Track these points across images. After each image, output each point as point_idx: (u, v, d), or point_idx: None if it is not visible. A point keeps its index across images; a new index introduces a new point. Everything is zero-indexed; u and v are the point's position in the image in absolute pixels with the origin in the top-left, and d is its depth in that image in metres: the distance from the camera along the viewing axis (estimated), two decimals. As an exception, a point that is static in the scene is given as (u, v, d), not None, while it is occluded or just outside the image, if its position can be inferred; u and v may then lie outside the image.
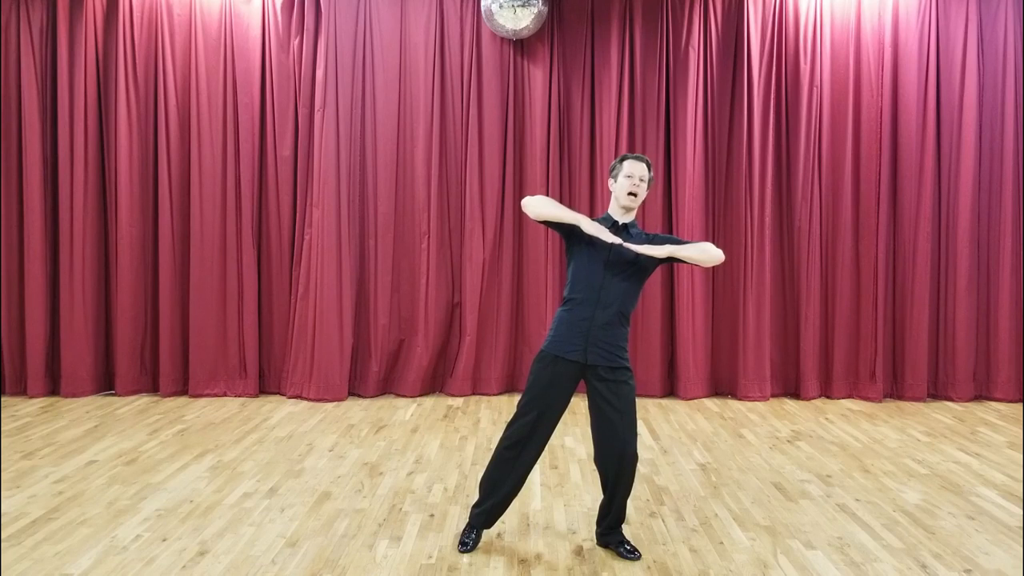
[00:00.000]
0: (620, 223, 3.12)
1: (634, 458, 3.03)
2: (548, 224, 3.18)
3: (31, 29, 5.64)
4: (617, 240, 2.98)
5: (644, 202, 5.77)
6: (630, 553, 3.08)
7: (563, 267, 5.92)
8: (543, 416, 3.06)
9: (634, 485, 3.17)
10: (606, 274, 3.04)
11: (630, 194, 3.06)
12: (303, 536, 3.26)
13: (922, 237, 5.79)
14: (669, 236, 3.16)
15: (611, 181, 3.16)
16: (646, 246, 3.00)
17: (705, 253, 3.05)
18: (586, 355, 3.02)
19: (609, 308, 3.03)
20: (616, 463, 3.02)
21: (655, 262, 3.07)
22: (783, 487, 3.91)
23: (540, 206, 3.11)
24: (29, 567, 2.95)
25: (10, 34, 5.67)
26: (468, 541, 3.14)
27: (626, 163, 3.11)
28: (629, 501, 3.65)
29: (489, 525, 3.20)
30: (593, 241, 3.06)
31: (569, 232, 3.13)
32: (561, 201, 5.89)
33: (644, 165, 3.10)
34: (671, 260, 3.06)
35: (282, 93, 5.75)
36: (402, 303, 5.89)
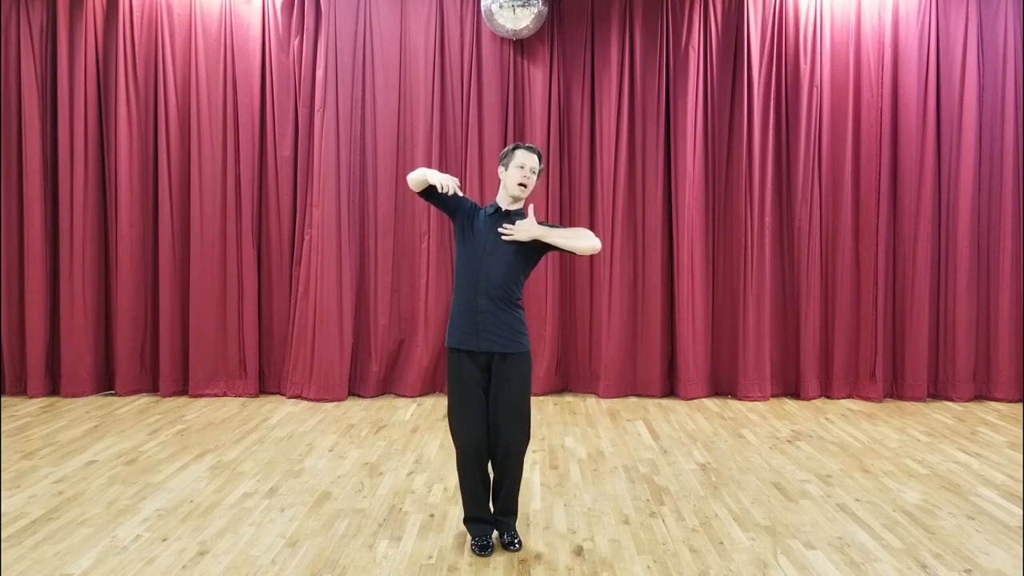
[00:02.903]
0: (504, 210, 3.14)
1: (511, 448, 3.06)
2: (429, 200, 3.19)
3: (31, 29, 5.64)
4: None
5: (644, 201, 5.83)
6: (511, 546, 3.11)
7: (563, 267, 5.93)
8: (466, 411, 3.08)
9: (520, 479, 3.18)
10: (484, 258, 3.06)
11: (520, 184, 3.09)
12: (303, 536, 3.26)
13: (922, 237, 5.79)
14: (555, 225, 3.17)
15: (501, 169, 3.17)
16: (517, 227, 3.02)
17: (577, 240, 3.07)
18: (479, 342, 3.05)
19: (492, 293, 3.04)
20: (499, 454, 3.07)
21: (532, 247, 3.07)
22: (783, 487, 3.91)
23: (416, 176, 3.12)
24: (29, 567, 2.96)
25: (10, 34, 5.67)
26: (484, 544, 3.12)
27: (518, 153, 3.11)
28: (626, 500, 3.66)
29: (491, 526, 3.19)
30: (473, 226, 3.11)
31: (452, 211, 3.17)
32: (561, 200, 5.90)
33: (536, 156, 3.13)
34: (547, 246, 3.07)
35: (282, 93, 5.75)
36: (402, 303, 5.89)
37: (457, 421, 3.11)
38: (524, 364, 3.10)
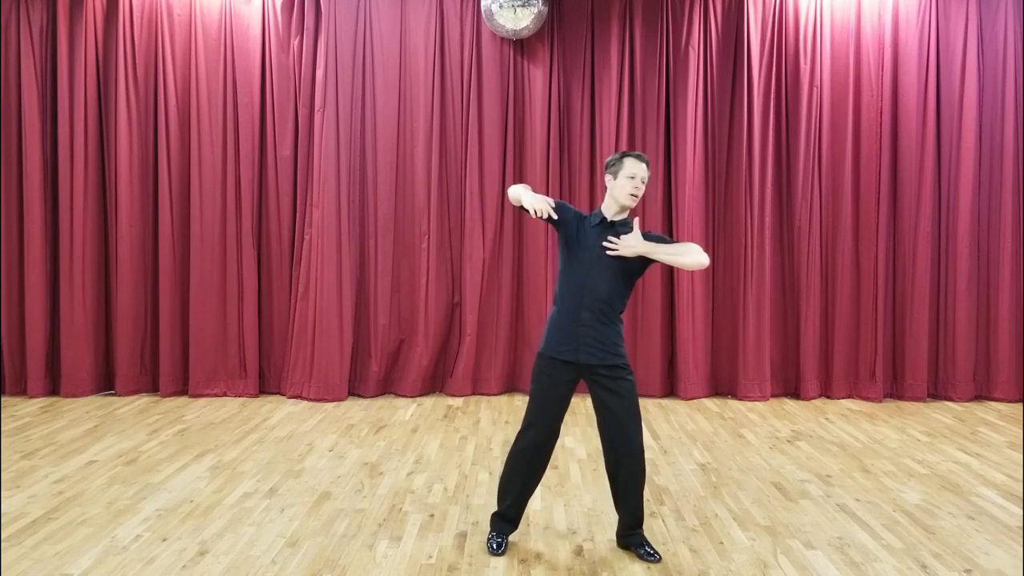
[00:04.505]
0: (609, 220, 3.06)
1: (640, 453, 3.04)
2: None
3: (31, 29, 5.64)
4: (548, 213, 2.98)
5: (644, 201, 5.83)
6: (650, 556, 3.06)
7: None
8: (544, 409, 3.06)
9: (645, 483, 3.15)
10: (590, 272, 3.01)
11: (631, 195, 3.01)
12: (303, 536, 3.26)
13: (922, 237, 5.79)
14: (662, 236, 3.10)
15: (608, 178, 3.07)
16: (622, 242, 2.95)
17: (685, 256, 2.99)
18: (578, 355, 3.01)
19: (595, 307, 2.99)
20: (625, 459, 3.04)
21: (637, 260, 3.01)
22: (783, 487, 3.91)
23: (512, 193, 3.11)
24: (29, 567, 2.96)
25: (10, 34, 5.67)
26: (499, 543, 3.13)
27: (628, 162, 3.02)
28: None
29: (513, 527, 3.20)
30: (577, 238, 3.05)
31: (556, 223, 3.11)
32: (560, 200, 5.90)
33: (645, 165, 3.04)
34: (652, 260, 3.01)
35: (282, 93, 5.75)
36: (402, 303, 5.89)
37: (532, 418, 3.08)
38: (631, 375, 3.06)
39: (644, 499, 3.19)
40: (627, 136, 5.79)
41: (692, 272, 5.75)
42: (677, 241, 3.06)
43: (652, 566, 3.01)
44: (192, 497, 3.69)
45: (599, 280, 3.00)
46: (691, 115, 5.75)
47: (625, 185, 3.01)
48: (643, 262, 3.03)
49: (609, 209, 3.07)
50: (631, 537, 3.13)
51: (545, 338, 3.10)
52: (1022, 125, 5.80)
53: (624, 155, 3.05)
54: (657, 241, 3.02)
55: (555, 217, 3.00)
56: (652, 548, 3.09)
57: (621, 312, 3.07)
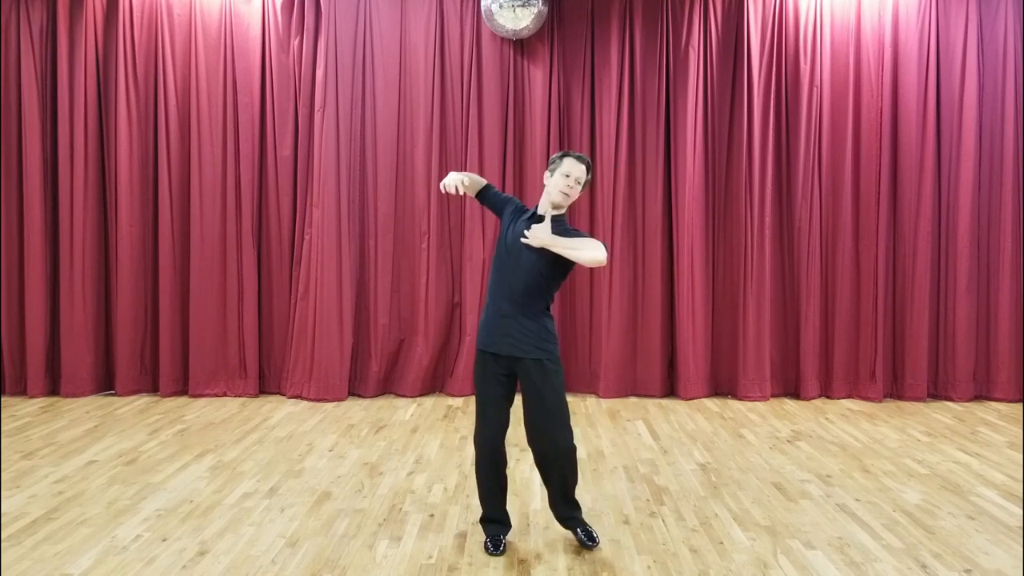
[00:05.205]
0: (538, 215, 3.08)
1: (565, 451, 3.04)
2: (482, 203, 3.29)
3: (31, 29, 5.64)
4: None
5: (644, 202, 5.83)
6: (588, 537, 3.11)
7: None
8: (484, 411, 3.09)
9: (576, 477, 3.16)
10: (510, 263, 3.03)
11: (563, 193, 3.03)
12: (303, 536, 3.26)
13: (922, 237, 5.79)
14: (578, 232, 3.08)
15: (547, 174, 3.10)
16: (532, 232, 2.94)
17: (580, 251, 2.93)
18: (506, 347, 3.02)
19: (515, 298, 3.00)
20: (550, 458, 3.05)
21: (551, 255, 2.96)
22: (783, 487, 3.91)
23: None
24: (29, 567, 2.96)
25: (10, 34, 5.67)
26: (496, 543, 3.13)
27: (567, 161, 3.03)
28: (626, 500, 3.66)
29: (505, 527, 3.20)
30: (507, 230, 3.09)
31: (497, 212, 3.20)
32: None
33: (584, 167, 3.05)
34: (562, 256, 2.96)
35: (282, 93, 5.75)
36: (402, 303, 5.89)
37: (477, 421, 3.12)
38: (551, 369, 3.02)
39: (576, 496, 3.21)
40: (627, 136, 5.79)
41: (692, 272, 5.74)
42: (588, 236, 3.03)
43: (652, 566, 3.01)
44: (192, 497, 3.69)
45: (517, 271, 3.01)
46: (691, 115, 5.75)
47: (559, 182, 3.03)
48: (559, 256, 2.97)
49: (542, 205, 3.10)
50: (569, 522, 3.18)
51: (478, 330, 3.15)
52: (1022, 125, 5.80)
53: (565, 154, 3.08)
54: (572, 235, 3.01)
55: (460, 193, 3.08)
56: (588, 530, 3.14)
57: (546, 306, 3.06)
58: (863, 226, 5.84)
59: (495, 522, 3.18)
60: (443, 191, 3.11)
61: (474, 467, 3.20)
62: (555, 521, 3.27)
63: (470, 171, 5.78)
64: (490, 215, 5.81)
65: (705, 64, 5.80)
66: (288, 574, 2.92)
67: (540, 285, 3.03)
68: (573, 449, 3.08)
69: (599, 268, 5.77)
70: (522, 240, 2.99)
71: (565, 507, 3.17)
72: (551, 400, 3.01)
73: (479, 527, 3.27)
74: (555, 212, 3.07)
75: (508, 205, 3.19)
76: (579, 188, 3.06)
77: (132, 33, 5.69)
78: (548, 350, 3.04)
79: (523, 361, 3.02)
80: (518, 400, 3.12)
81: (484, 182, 3.26)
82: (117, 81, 5.66)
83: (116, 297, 5.73)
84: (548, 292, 3.07)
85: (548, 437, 3.02)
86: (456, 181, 3.08)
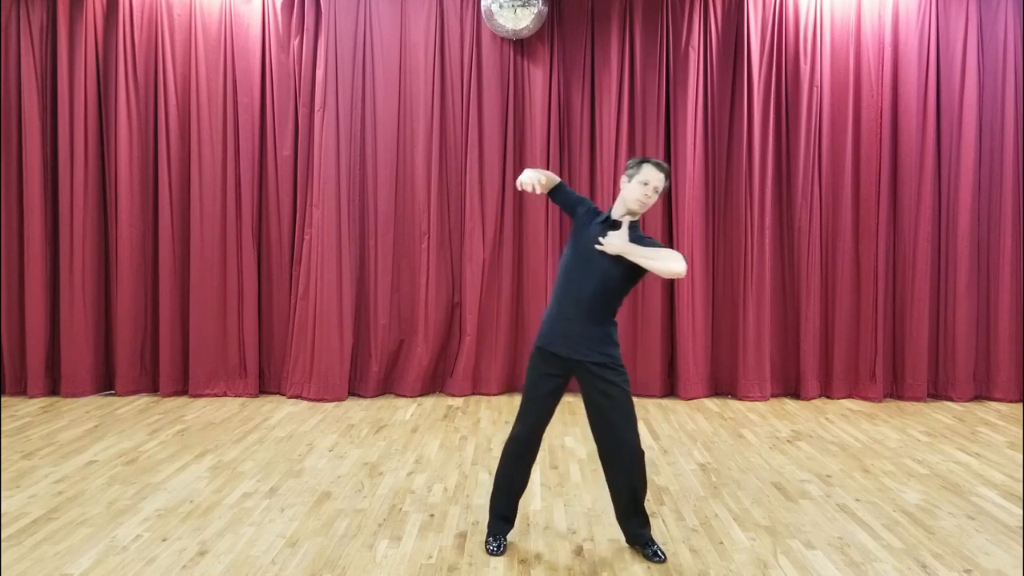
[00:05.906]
0: (613, 220, 3.04)
1: (636, 453, 3.01)
2: (554, 201, 3.24)
3: (31, 29, 5.64)
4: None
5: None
6: (654, 555, 3.05)
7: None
8: (531, 402, 3.06)
9: (645, 485, 3.12)
10: (581, 268, 3.00)
11: (640, 202, 2.97)
12: (303, 536, 3.26)
13: (922, 237, 5.79)
14: (653, 241, 3.04)
15: (624, 179, 3.03)
16: (607, 239, 2.92)
17: (658, 261, 2.89)
18: (562, 348, 2.99)
19: (581, 303, 2.97)
20: (618, 460, 3.02)
21: (629, 262, 2.94)
22: (783, 487, 3.91)
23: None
24: (29, 567, 2.96)
25: (10, 34, 5.67)
26: (498, 544, 3.13)
27: (645, 168, 2.97)
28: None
29: (509, 525, 3.20)
30: (580, 233, 3.05)
31: (570, 213, 3.17)
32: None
33: (663, 175, 2.98)
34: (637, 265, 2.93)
35: (282, 93, 5.75)
36: (402, 303, 5.88)
37: (520, 409, 3.09)
38: (614, 370, 2.98)
39: (646, 500, 3.18)
40: (627, 136, 5.79)
41: (692, 272, 5.74)
42: (663, 247, 2.98)
43: (652, 566, 3.01)
44: (192, 497, 3.69)
45: (588, 277, 2.98)
46: (691, 115, 5.75)
47: (636, 189, 2.97)
48: (633, 265, 2.95)
49: (617, 211, 3.05)
50: (636, 538, 3.12)
51: (539, 329, 3.11)
52: (1022, 125, 5.80)
53: (644, 160, 3.01)
54: (648, 244, 2.98)
55: (538, 191, 3.07)
56: (656, 548, 3.08)
57: (612, 313, 3.02)
58: (863, 226, 5.84)
59: (502, 518, 3.17)
60: (519, 188, 3.08)
61: (502, 458, 3.14)
62: (555, 521, 3.27)
63: (470, 171, 5.80)
64: (489, 215, 5.81)
65: (705, 64, 5.80)
66: (288, 574, 2.92)
67: (610, 292, 2.99)
68: (641, 453, 3.04)
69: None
70: (596, 247, 2.95)
71: (636, 520, 3.10)
72: (623, 404, 2.97)
73: (479, 527, 3.26)
74: (631, 218, 3.02)
75: (580, 206, 3.12)
76: (656, 197, 3.00)
77: (132, 33, 5.69)
78: (610, 354, 2.98)
79: (583, 364, 2.98)
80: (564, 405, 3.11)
81: (558, 180, 3.19)
82: (117, 81, 5.66)
83: (116, 297, 5.73)
84: (617, 299, 3.03)
85: (624, 439, 2.98)
86: (534, 180, 3.03)
